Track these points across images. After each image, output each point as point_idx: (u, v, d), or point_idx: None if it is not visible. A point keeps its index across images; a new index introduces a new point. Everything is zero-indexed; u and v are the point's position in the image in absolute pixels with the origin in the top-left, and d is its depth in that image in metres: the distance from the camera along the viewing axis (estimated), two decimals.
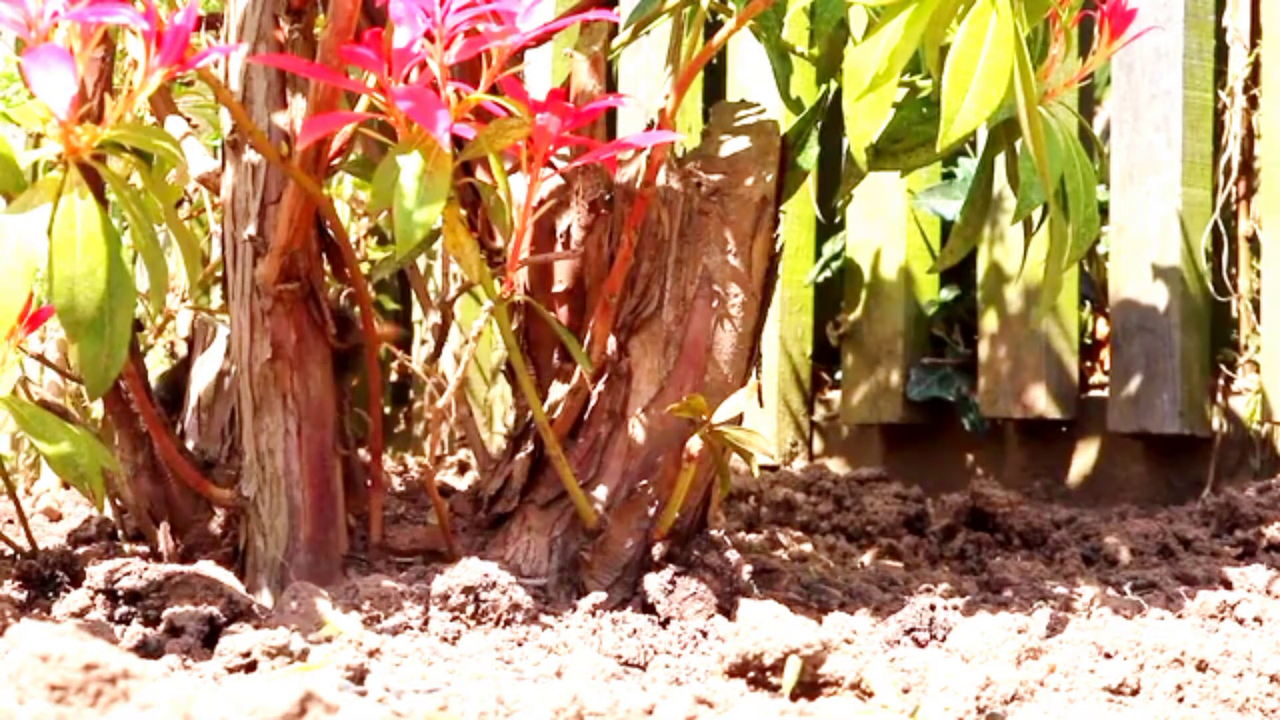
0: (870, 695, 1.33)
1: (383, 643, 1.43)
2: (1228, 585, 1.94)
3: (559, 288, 1.76)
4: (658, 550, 1.70)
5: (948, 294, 2.91)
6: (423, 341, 3.42)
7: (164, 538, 1.82)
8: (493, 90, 1.48)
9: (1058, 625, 1.65)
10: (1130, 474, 2.69)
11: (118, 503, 1.97)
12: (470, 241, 1.54)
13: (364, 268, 2.53)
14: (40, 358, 2.09)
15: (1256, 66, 2.61)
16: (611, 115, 2.58)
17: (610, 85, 1.87)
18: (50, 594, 1.76)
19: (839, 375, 2.99)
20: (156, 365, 2.66)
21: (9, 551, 1.92)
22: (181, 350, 2.42)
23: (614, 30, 1.74)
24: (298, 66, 1.60)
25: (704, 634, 1.62)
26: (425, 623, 1.60)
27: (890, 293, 2.90)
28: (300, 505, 1.73)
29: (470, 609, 1.60)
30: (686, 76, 1.64)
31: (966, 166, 2.81)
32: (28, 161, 1.43)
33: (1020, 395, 2.75)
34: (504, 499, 1.73)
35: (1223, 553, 2.17)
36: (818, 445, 3.03)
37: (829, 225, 2.97)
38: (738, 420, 1.66)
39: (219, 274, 2.01)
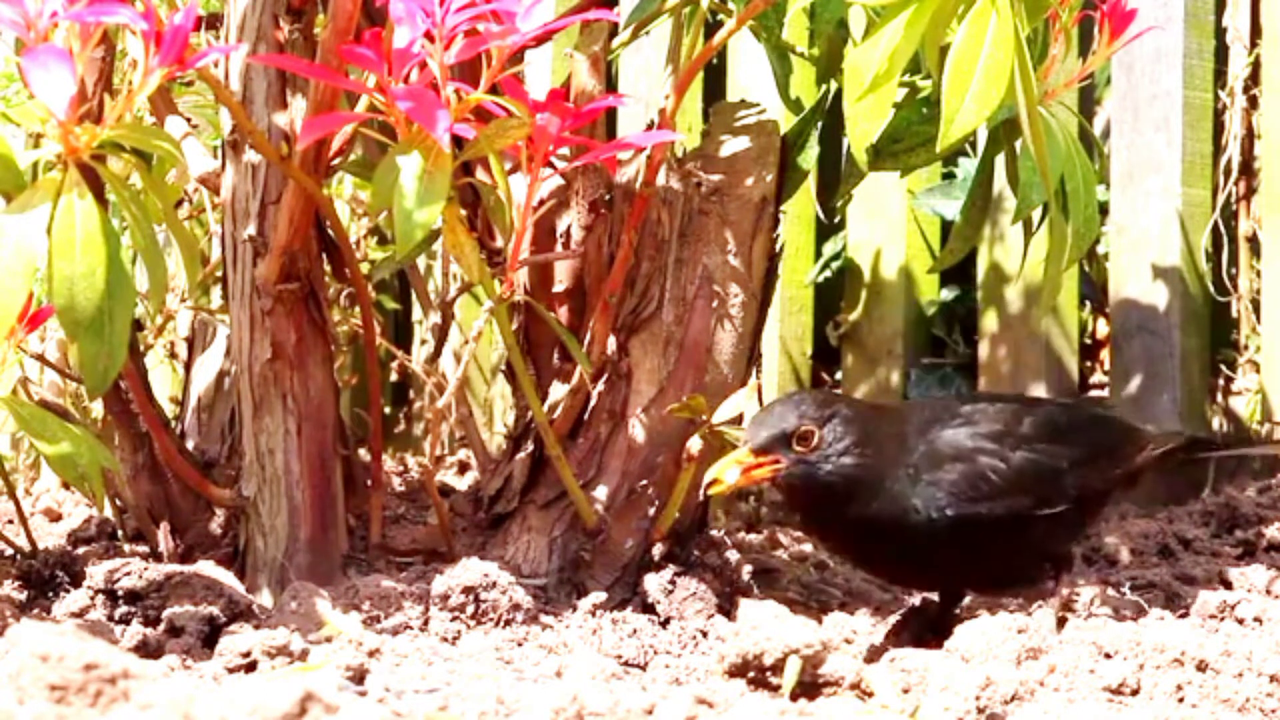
0: (870, 695, 1.33)
1: (383, 643, 1.43)
2: (1228, 585, 1.94)
3: (559, 288, 1.76)
4: (658, 550, 1.70)
5: (948, 294, 2.91)
6: (423, 341, 3.42)
7: (164, 538, 1.82)
8: (493, 90, 1.48)
9: (1057, 625, 1.65)
10: None
11: (118, 503, 1.97)
12: (470, 241, 1.54)
13: (364, 268, 2.53)
14: (40, 358, 2.09)
15: (1256, 66, 2.61)
16: (611, 115, 2.58)
17: (610, 85, 1.87)
18: (50, 594, 1.76)
19: (839, 375, 2.99)
20: (156, 365, 2.66)
21: (9, 551, 1.92)
22: (182, 350, 2.42)
23: (614, 30, 1.74)
24: (298, 66, 1.60)
25: (704, 634, 1.62)
26: (425, 623, 1.60)
27: (890, 293, 2.90)
28: (300, 505, 1.73)
29: (470, 609, 1.60)
30: (686, 76, 1.64)
31: (966, 166, 2.80)
32: (27, 161, 1.43)
33: None
34: (504, 499, 1.73)
35: (1223, 553, 2.17)
36: None
37: (829, 225, 2.97)
38: (738, 420, 1.66)
39: (219, 274, 2.01)
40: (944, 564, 1.64)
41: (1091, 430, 1.73)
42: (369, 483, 1.78)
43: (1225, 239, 2.63)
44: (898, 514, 1.59)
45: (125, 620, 1.62)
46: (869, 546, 1.65)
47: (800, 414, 1.58)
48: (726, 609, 1.67)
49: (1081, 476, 1.67)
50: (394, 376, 3.52)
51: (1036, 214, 1.81)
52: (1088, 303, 2.82)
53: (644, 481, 1.71)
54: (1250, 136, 2.64)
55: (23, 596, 1.75)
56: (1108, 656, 1.45)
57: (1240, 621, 1.74)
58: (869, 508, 1.59)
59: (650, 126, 1.71)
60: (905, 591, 1.93)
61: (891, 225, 2.90)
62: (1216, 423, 2.61)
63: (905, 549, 1.62)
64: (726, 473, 1.57)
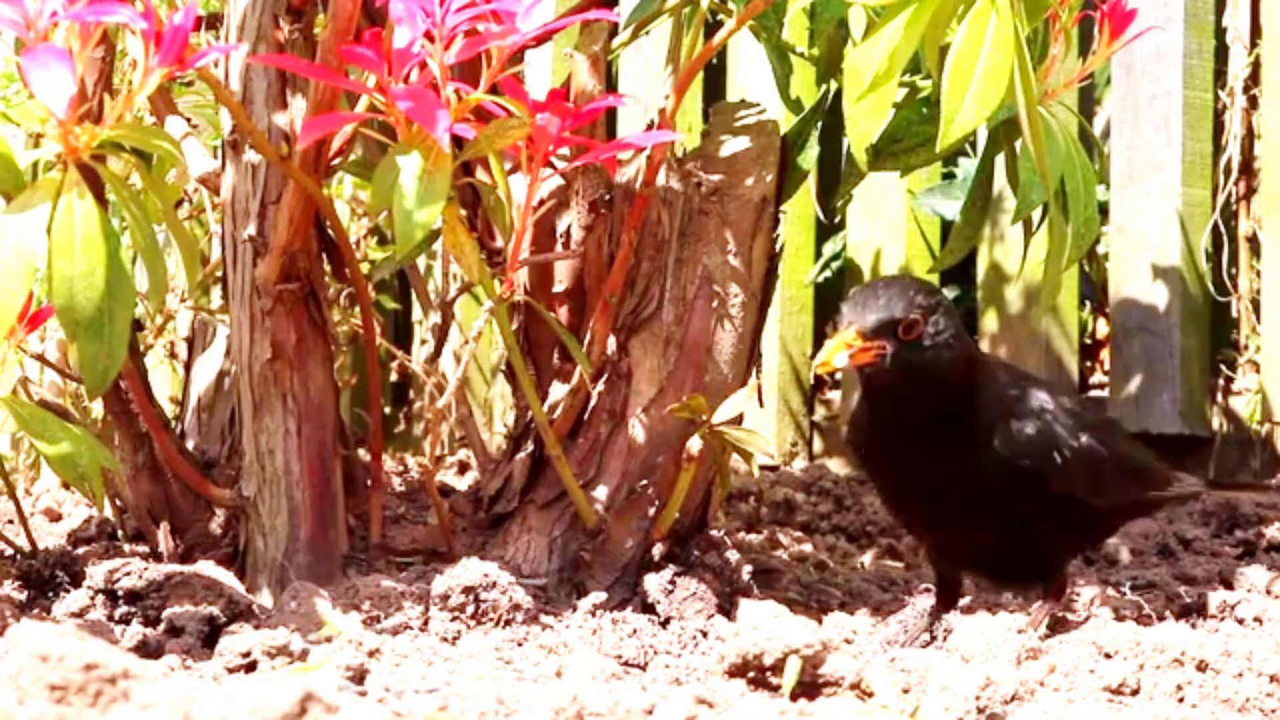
0: (870, 695, 1.33)
1: (383, 643, 1.43)
2: (1228, 585, 1.94)
3: (559, 288, 1.76)
4: (658, 550, 1.70)
5: (948, 294, 2.91)
6: (423, 341, 3.42)
7: (164, 538, 1.82)
8: (493, 90, 1.48)
9: (1058, 625, 1.65)
10: None
11: (118, 503, 1.97)
12: (470, 241, 1.54)
13: (364, 268, 2.53)
14: (40, 358, 2.09)
15: (1256, 66, 2.61)
16: (611, 115, 2.58)
17: (610, 85, 1.87)
18: (50, 594, 1.76)
19: (839, 375, 2.99)
20: (156, 365, 2.66)
21: (9, 551, 1.92)
22: (182, 350, 2.42)
23: (614, 30, 1.74)
24: (298, 66, 1.60)
25: (704, 634, 1.62)
26: (425, 623, 1.60)
27: None
28: (300, 505, 1.73)
29: (470, 609, 1.60)
30: (686, 76, 1.64)
31: (966, 166, 2.81)
32: (27, 161, 1.43)
33: None
34: (504, 499, 1.73)
35: (1223, 553, 2.17)
36: (818, 445, 3.02)
37: (829, 225, 2.97)
38: (738, 420, 1.66)
39: (219, 274, 2.01)
40: (972, 525, 1.63)
41: (1132, 446, 1.73)
42: (369, 483, 1.78)
43: (1225, 239, 2.63)
44: (968, 444, 1.59)
45: (125, 620, 1.62)
46: (920, 474, 1.62)
47: (909, 301, 1.57)
48: (726, 609, 1.67)
49: (1124, 483, 1.68)
50: (394, 376, 3.53)
51: (1036, 214, 1.81)
52: (1088, 303, 2.82)
53: (644, 481, 1.71)
54: (1250, 136, 2.64)
55: (23, 596, 1.75)
56: (1108, 656, 1.45)
57: (1240, 621, 1.74)
58: (951, 416, 1.58)
59: (650, 126, 1.71)
60: (906, 590, 1.93)
61: (891, 225, 2.90)
62: (1216, 423, 2.61)
63: (951, 490, 1.60)
64: (836, 356, 1.54)
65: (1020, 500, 1.61)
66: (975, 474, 1.60)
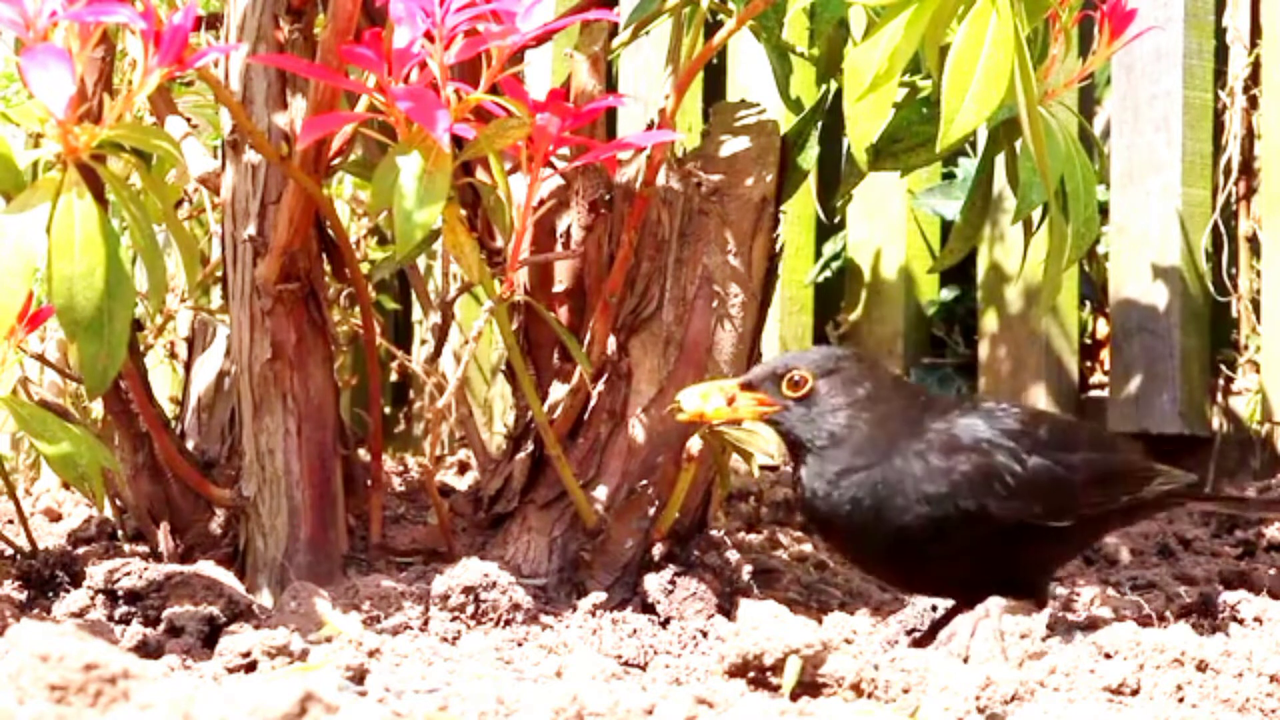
0: (870, 695, 1.33)
1: (383, 643, 1.43)
2: (1228, 585, 1.94)
3: (559, 288, 1.76)
4: (658, 550, 1.70)
5: (948, 294, 2.91)
6: (423, 341, 3.42)
7: (164, 538, 1.82)
8: (493, 90, 1.48)
9: (1057, 625, 1.65)
10: None
11: (118, 503, 1.97)
12: (470, 241, 1.54)
13: (364, 268, 2.53)
14: (40, 358, 2.09)
15: (1256, 66, 2.61)
16: (611, 115, 2.58)
17: (610, 85, 1.87)
18: (50, 594, 1.76)
19: None
20: (156, 365, 2.66)
21: (9, 551, 1.92)
22: (182, 350, 2.42)
23: (614, 30, 1.74)
24: (298, 66, 1.60)
25: (704, 634, 1.62)
26: (425, 623, 1.60)
27: (890, 293, 2.90)
28: (300, 505, 1.73)
29: (470, 609, 1.60)
30: (686, 76, 1.64)
31: (966, 166, 2.81)
32: (27, 161, 1.43)
33: (1020, 395, 2.75)
34: (504, 499, 1.73)
35: (1223, 553, 2.17)
36: None
37: (829, 225, 2.97)
38: (737, 421, 1.66)
39: (219, 274, 2.01)
40: (936, 564, 1.58)
41: (1103, 450, 1.67)
42: (369, 483, 1.78)
43: (1225, 239, 2.63)
44: (897, 497, 1.53)
45: (125, 620, 1.62)
46: (864, 537, 1.57)
47: (802, 359, 1.54)
48: (726, 609, 1.67)
49: (1090, 495, 1.61)
50: (394, 376, 3.52)
51: (1036, 214, 1.81)
52: (1088, 303, 2.83)
53: (644, 481, 1.71)
54: (1250, 136, 2.64)
55: (23, 596, 1.75)
56: (1108, 656, 1.45)
57: (1240, 621, 1.74)
58: (864, 484, 1.53)
59: (650, 126, 1.71)
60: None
61: (891, 225, 2.90)
62: (1216, 423, 2.61)
63: (901, 540, 1.55)
64: (687, 398, 1.51)
65: (973, 535, 1.55)
66: (919, 524, 1.54)
